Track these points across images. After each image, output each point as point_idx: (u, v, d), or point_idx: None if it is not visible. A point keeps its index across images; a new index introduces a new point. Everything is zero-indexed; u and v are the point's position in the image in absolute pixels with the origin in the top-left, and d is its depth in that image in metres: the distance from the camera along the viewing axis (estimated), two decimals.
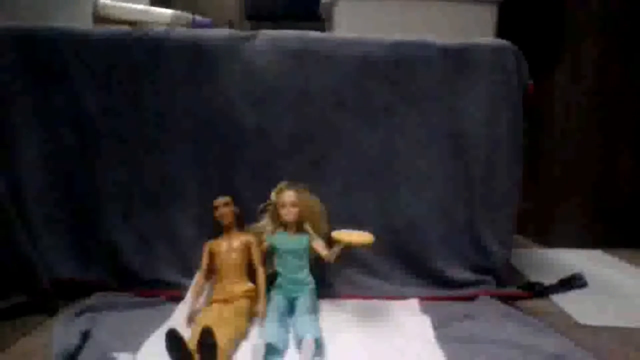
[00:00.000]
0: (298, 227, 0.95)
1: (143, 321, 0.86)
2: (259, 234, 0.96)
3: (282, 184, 0.96)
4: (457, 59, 1.04)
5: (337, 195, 1.03)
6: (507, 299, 1.00)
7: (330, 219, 0.99)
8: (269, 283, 0.92)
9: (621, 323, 0.93)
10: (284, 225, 0.94)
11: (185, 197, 1.03)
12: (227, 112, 1.01)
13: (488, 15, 1.28)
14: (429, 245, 1.05)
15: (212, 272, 0.93)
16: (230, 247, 0.92)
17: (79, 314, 0.86)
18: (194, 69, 1.00)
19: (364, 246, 0.87)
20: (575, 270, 1.17)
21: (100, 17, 1.09)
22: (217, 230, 0.95)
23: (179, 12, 1.14)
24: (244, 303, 0.86)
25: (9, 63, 0.97)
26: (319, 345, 0.75)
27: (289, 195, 0.93)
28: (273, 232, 0.95)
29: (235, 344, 0.77)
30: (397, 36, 1.04)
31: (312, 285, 0.92)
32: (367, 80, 1.03)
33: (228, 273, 0.90)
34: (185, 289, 0.94)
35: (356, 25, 1.22)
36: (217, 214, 0.94)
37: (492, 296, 0.99)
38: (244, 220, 0.98)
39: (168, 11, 1.13)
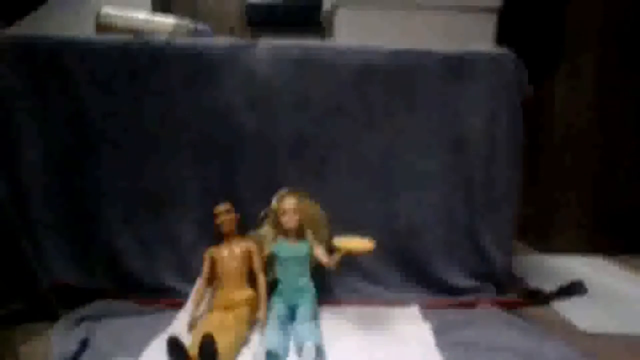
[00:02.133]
0: (299, 234, 0.95)
1: (143, 328, 0.86)
2: (260, 241, 0.96)
3: (283, 191, 0.96)
4: (457, 66, 1.05)
5: (338, 200, 1.03)
6: (508, 306, 1.00)
7: (331, 224, 0.99)
8: (270, 290, 0.92)
9: (622, 330, 0.93)
10: (284, 232, 0.95)
11: (186, 202, 1.03)
12: (228, 118, 1.01)
13: (487, 23, 1.29)
14: (430, 249, 1.06)
15: (213, 279, 0.93)
16: (231, 254, 0.92)
17: (79, 321, 0.86)
18: (194, 77, 1.00)
19: (364, 253, 0.87)
20: (576, 277, 1.16)
21: (102, 26, 1.10)
22: (218, 236, 0.96)
23: (180, 21, 1.15)
24: (244, 310, 0.86)
25: (12, 71, 0.98)
26: (319, 351, 0.75)
27: (289, 203, 0.93)
28: (274, 239, 0.95)
29: (236, 351, 0.77)
30: (397, 44, 1.05)
31: (312, 292, 0.92)
32: (367, 86, 1.03)
33: (229, 280, 0.90)
34: (186, 295, 0.94)
35: (356, 34, 1.23)
36: (217, 221, 0.94)
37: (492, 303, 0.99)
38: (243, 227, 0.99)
39: (170, 20, 1.14)
